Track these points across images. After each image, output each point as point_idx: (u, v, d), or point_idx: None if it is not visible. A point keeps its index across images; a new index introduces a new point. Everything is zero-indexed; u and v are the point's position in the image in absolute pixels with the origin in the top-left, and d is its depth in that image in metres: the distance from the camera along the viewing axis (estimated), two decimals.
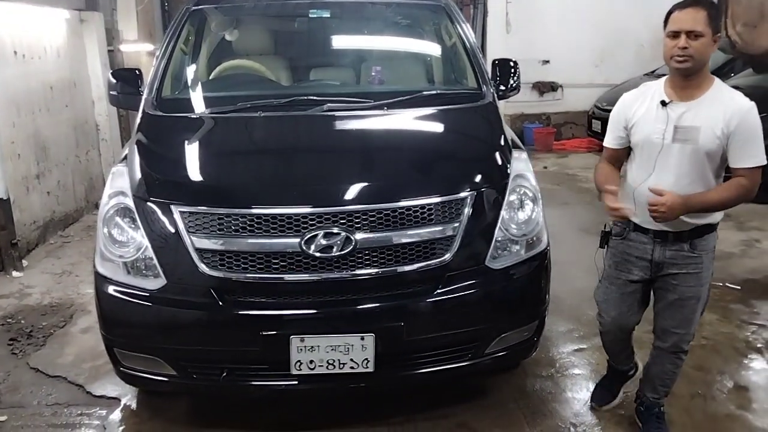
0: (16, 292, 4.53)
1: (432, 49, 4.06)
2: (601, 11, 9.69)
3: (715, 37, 2.33)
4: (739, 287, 4.42)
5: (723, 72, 7.58)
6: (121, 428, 2.97)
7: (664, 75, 2.55)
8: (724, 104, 2.35)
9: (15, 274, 4.80)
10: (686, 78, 2.38)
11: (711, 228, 2.50)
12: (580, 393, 3.20)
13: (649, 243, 2.53)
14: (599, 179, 2.63)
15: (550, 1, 9.66)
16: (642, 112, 2.49)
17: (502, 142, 2.99)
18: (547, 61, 9.97)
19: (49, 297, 4.44)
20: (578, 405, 3.10)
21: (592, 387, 3.20)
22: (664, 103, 2.42)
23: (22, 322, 4.05)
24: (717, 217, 2.51)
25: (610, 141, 2.65)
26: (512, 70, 3.64)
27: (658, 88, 2.48)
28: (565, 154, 9.43)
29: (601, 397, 3.04)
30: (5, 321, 4.06)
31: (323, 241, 2.47)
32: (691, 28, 2.28)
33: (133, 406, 3.13)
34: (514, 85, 3.65)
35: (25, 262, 4.99)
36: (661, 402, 2.84)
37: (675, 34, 2.32)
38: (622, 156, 2.66)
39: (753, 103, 2.36)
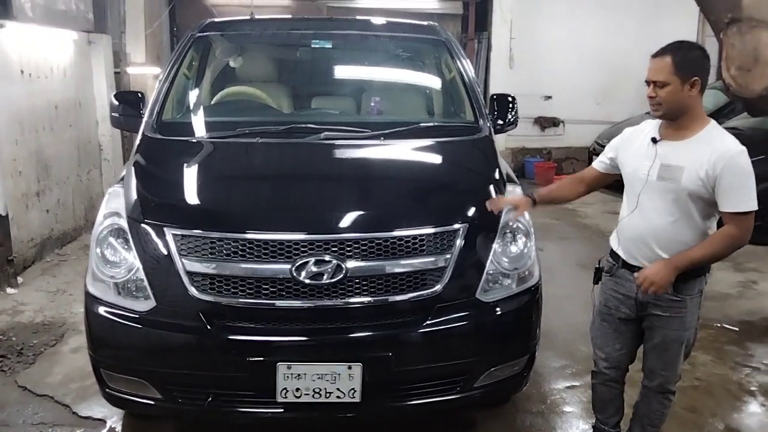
0: (9, 309, 4.52)
1: (431, 82, 4.11)
2: (604, 49, 9.82)
3: (692, 81, 2.31)
4: (735, 329, 4.40)
5: (723, 113, 7.66)
6: None
7: None
8: (711, 147, 2.32)
9: (9, 290, 4.79)
10: (672, 120, 2.42)
11: (696, 273, 2.45)
12: (570, 431, 3.16)
13: (633, 281, 2.50)
14: (552, 186, 2.97)
15: (554, 38, 9.79)
16: (635, 147, 2.53)
17: (497, 176, 3.01)
18: (549, 97, 10.08)
19: (41, 315, 4.43)
20: None
21: (582, 425, 3.17)
22: (654, 141, 2.46)
23: (14, 339, 4.03)
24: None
25: (598, 162, 2.73)
26: (510, 105, 3.68)
27: (654, 126, 2.52)
28: None
29: None
30: None
31: (314, 269, 2.47)
32: (654, 78, 2.34)
33: (118, 428, 3.10)
34: (512, 119, 3.69)
35: (20, 279, 4.98)
36: None
37: (647, 84, 2.38)
38: (596, 181, 2.74)
39: (743, 148, 2.32)
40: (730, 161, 2.28)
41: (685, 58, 2.32)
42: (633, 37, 9.68)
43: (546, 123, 10.19)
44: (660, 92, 2.34)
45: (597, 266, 2.72)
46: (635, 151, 2.52)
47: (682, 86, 2.32)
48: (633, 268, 2.50)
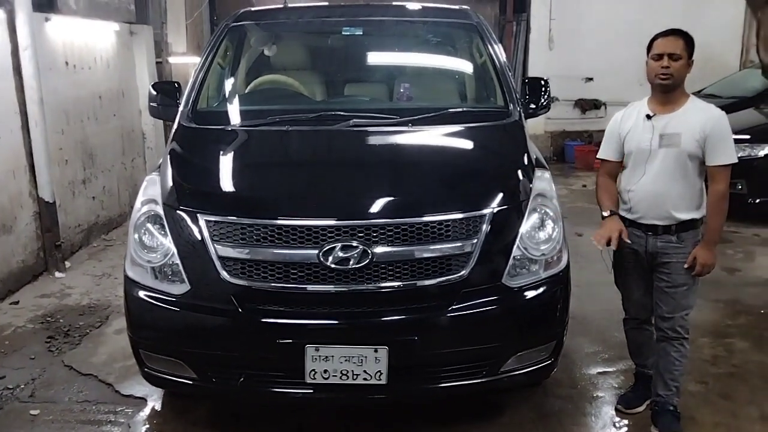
0: (57, 292, 4.72)
1: (462, 67, 4.09)
2: (646, 29, 9.43)
3: (690, 61, 2.78)
4: None
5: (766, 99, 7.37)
6: (145, 427, 3.07)
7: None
8: (699, 113, 2.79)
9: (57, 274, 5.00)
10: (666, 94, 2.82)
11: (694, 223, 2.85)
12: (599, 417, 3.15)
13: (642, 236, 2.91)
14: (606, 196, 3.05)
15: (594, 18, 9.57)
16: (631, 126, 2.91)
17: (526, 161, 3.00)
18: (591, 79, 9.86)
19: (87, 298, 4.62)
20: (597, 428, 3.06)
21: (612, 412, 3.17)
22: (648, 117, 2.85)
23: (61, 321, 4.22)
24: (698, 213, 2.85)
25: (608, 153, 3.04)
26: (543, 89, 3.65)
27: (641, 106, 2.92)
28: None
29: (628, 401, 3.21)
30: (45, 319, 4.24)
31: (341, 254, 2.52)
32: (672, 51, 2.75)
33: (158, 407, 3.23)
34: (545, 103, 3.66)
35: (67, 264, 5.20)
36: (674, 401, 2.95)
37: (659, 57, 2.78)
38: (616, 169, 3.07)
39: (723, 112, 2.80)
40: (717, 123, 2.76)
41: (690, 41, 2.79)
42: (677, 17, 9.36)
43: (587, 105, 9.98)
44: (674, 64, 2.75)
45: None
46: (633, 128, 2.90)
47: (687, 62, 2.78)
48: (639, 226, 2.91)
